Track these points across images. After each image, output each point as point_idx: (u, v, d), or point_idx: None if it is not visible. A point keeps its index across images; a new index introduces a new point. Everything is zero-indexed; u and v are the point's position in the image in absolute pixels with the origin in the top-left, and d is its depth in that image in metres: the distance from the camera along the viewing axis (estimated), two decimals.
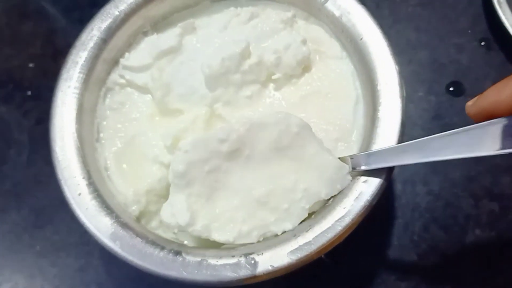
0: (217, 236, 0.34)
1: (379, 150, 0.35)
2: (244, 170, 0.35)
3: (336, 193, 0.35)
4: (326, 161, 0.35)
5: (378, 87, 0.37)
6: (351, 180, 0.35)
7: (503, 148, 0.27)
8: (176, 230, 0.37)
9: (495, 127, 0.28)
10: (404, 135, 0.36)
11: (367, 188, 0.34)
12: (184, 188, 0.35)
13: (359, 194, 0.34)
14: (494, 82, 0.49)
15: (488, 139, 0.28)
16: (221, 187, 0.35)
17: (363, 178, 0.35)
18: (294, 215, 0.35)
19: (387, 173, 0.35)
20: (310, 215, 0.36)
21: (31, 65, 0.57)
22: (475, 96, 0.49)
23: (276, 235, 0.35)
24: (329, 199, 0.35)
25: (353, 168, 0.35)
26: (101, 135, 0.42)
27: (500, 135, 0.27)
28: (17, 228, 0.50)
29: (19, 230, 0.50)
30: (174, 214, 0.34)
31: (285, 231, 0.35)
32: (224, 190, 0.35)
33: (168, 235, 0.39)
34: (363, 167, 0.35)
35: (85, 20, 0.58)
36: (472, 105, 0.30)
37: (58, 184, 0.37)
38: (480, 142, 0.28)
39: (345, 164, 0.35)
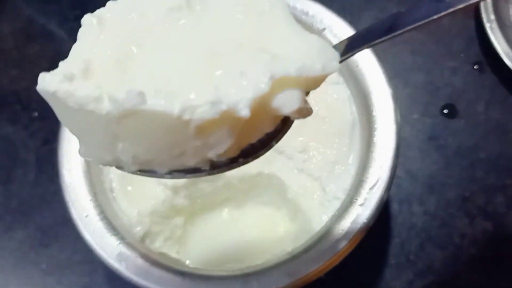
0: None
1: (365, 29, 0.28)
2: (188, 29, 0.25)
3: (313, 74, 0.24)
4: (305, 37, 0.25)
5: (374, 113, 0.38)
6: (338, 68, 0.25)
7: None
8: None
9: None
10: (399, 157, 0.37)
11: (363, 211, 0.36)
12: (96, 37, 0.24)
13: (355, 217, 0.35)
14: (487, 104, 0.51)
15: None
16: (149, 47, 0.25)
17: (360, 201, 0.36)
18: (248, 85, 0.22)
19: (382, 196, 0.36)
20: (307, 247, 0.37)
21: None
22: (468, 118, 0.51)
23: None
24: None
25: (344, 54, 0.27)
26: None
27: None
28: (23, 246, 0.51)
29: (26, 248, 0.51)
30: (67, 71, 0.23)
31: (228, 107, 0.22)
32: (153, 50, 0.25)
33: (171, 255, 0.41)
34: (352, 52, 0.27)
35: None
36: None
37: (63, 203, 0.39)
38: None
39: (330, 46, 0.26)
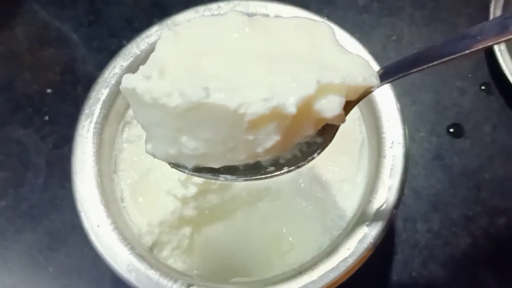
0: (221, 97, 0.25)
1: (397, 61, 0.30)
2: (249, 44, 0.29)
3: (354, 83, 0.27)
4: (350, 56, 0.28)
5: (383, 135, 0.39)
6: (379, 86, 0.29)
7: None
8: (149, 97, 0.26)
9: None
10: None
11: (370, 231, 0.36)
12: (171, 47, 0.28)
13: (362, 236, 0.36)
14: (494, 126, 0.52)
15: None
16: (215, 56, 0.28)
17: (367, 221, 0.37)
18: (297, 87, 0.25)
19: (389, 217, 0.37)
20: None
21: (49, 90, 0.59)
22: (475, 138, 0.51)
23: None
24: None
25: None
26: (118, 167, 0.44)
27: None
28: (31, 250, 0.52)
29: (34, 251, 0.51)
30: (146, 72, 0.26)
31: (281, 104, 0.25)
32: (218, 59, 0.28)
33: (178, 266, 0.41)
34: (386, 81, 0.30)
35: (103, 50, 0.61)
36: None
37: (72, 208, 0.39)
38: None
39: (370, 65, 0.29)
